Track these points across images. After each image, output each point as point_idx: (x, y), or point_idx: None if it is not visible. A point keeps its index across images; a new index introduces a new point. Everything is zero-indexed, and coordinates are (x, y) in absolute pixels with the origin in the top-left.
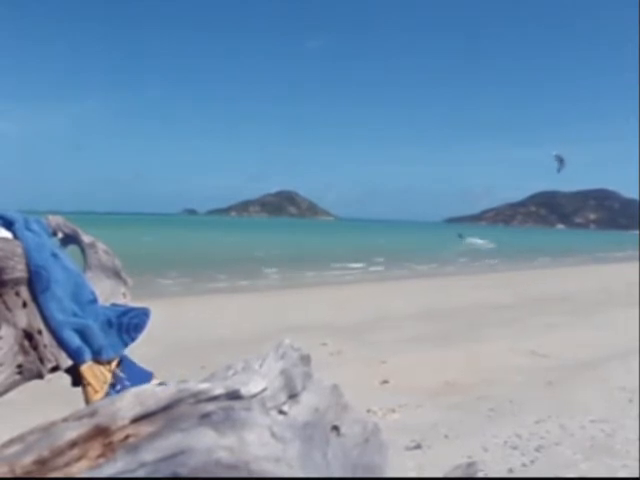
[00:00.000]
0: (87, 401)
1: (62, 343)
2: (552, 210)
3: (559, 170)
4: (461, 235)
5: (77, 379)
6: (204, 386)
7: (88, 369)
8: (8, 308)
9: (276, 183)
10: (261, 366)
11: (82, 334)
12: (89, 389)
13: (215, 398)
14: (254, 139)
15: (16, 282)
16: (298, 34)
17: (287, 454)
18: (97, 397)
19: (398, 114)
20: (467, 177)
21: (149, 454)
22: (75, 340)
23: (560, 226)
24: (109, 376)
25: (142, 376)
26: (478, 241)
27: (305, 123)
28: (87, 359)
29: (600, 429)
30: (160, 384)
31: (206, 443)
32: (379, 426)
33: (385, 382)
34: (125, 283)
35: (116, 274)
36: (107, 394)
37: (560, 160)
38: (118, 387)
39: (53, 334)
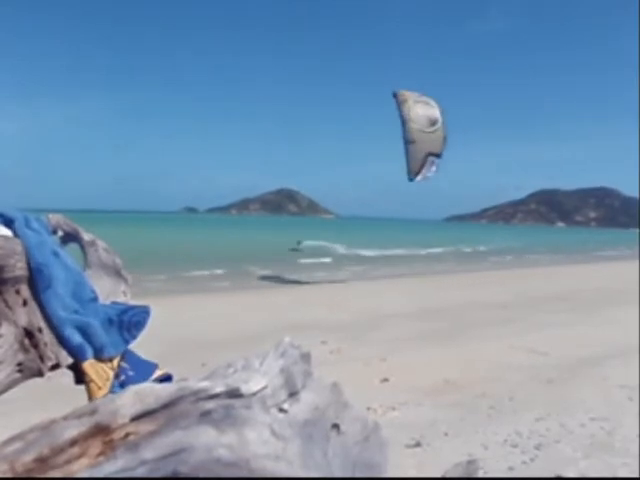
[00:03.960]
0: (90, 398)
1: (64, 341)
2: (552, 208)
3: None
4: (299, 242)
5: (80, 377)
6: (204, 384)
7: (90, 366)
8: (8, 306)
9: (276, 181)
10: (261, 364)
11: (84, 332)
12: (92, 385)
13: (215, 396)
14: (255, 137)
15: (16, 280)
16: (300, 33)
17: (287, 452)
18: (100, 394)
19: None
20: (468, 175)
21: (149, 452)
22: (77, 338)
23: (560, 224)
24: (111, 373)
25: (146, 367)
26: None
27: (306, 121)
28: (89, 357)
29: (600, 427)
30: (164, 377)
31: (206, 441)
32: (379, 424)
33: (385, 380)
34: (125, 281)
35: (116, 272)
36: (112, 386)
37: None
38: (122, 377)
39: (55, 332)
